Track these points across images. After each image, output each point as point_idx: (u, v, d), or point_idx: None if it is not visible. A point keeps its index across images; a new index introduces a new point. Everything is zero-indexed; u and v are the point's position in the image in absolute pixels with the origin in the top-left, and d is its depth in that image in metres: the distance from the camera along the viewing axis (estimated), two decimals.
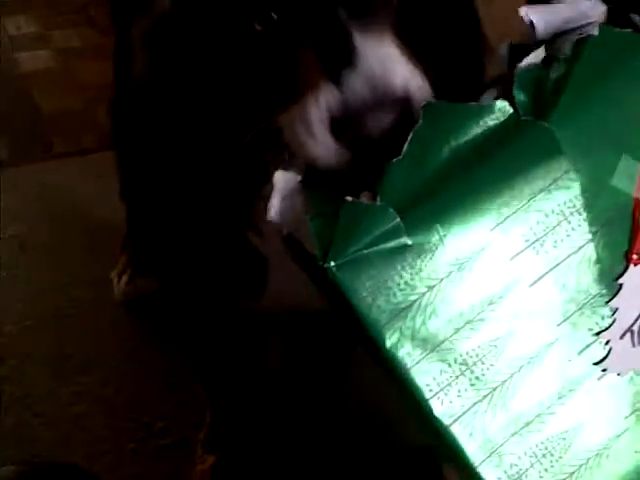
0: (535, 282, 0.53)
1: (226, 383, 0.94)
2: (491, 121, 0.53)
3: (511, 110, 0.53)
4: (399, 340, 0.50)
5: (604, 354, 0.54)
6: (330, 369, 1.02)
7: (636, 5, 0.59)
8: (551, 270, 0.53)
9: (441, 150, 0.52)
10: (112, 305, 1.27)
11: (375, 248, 0.50)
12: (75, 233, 1.40)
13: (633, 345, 0.55)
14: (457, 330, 0.51)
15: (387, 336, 0.50)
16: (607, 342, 0.54)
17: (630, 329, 0.55)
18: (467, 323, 0.52)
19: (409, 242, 0.50)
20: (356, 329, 0.54)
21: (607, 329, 0.54)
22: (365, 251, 0.50)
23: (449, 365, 0.52)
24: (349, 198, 0.50)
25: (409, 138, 0.51)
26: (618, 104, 0.55)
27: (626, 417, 0.55)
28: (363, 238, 0.50)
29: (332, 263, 0.49)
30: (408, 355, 0.51)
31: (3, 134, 1.61)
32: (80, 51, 1.68)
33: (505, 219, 0.52)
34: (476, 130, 0.53)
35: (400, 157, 0.51)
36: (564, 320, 0.53)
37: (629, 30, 0.56)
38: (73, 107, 1.63)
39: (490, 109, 0.53)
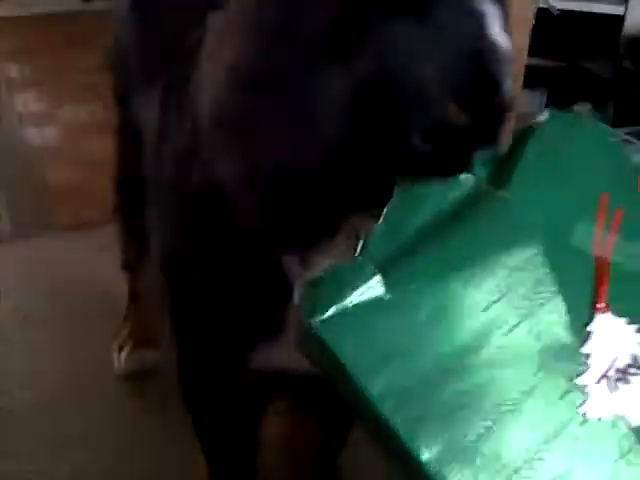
0: (510, 330, 0.55)
1: (225, 449, 0.93)
2: (457, 193, 0.58)
3: (474, 183, 0.58)
4: (384, 390, 0.52)
5: (583, 399, 0.55)
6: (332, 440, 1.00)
7: None
8: (525, 319, 0.54)
9: (416, 218, 0.57)
10: (112, 377, 1.27)
11: (357, 302, 0.53)
12: (75, 306, 1.41)
13: (610, 391, 0.55)
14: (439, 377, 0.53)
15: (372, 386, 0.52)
16: (584, 387, 0.54)
17: (605, 375, 0.55)
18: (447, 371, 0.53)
19: (388, 297, 0.54)
20: (342, 390, 0.56)
21: (582, 374, 0.55)
22: (348, 305, 0.53)
23: (431, 413, 0.53)
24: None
25: (385, 210, 0.56)
26: (571, 176, 0.60)
27: (615, 461, 0.55)
28: (346, 293, 0.53)
29: (317, 319, 0.52)
30: (393, 405, 0.52)
31: (8, 208, 1.65)
32: (87, 127, 1.72)
33: (475, 277, 0.55)
34: (445, 201, 0.58)
35: (380, 222, 0.56)
36: (540, 368, 0.54)
37: (572, 113, 0.63)
38: (75, 181, 1.67)
39: (457, 183, 0.58)
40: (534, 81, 2.02)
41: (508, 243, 0.57)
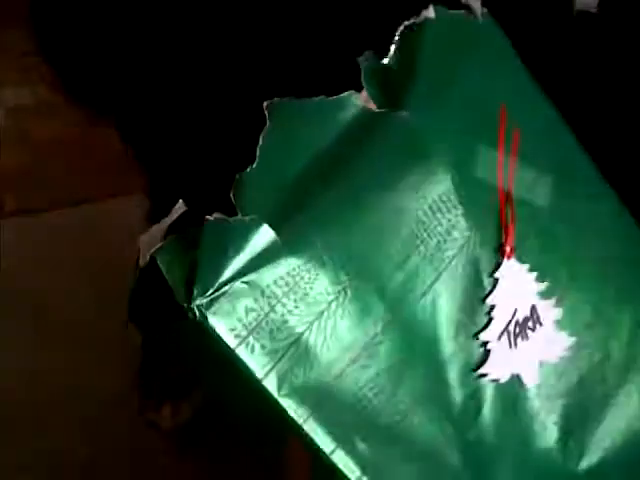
0: (425, 292, 0.47)
1: None
2: (345, 116, 0.47)
3: (362, 103, 0.48)
4: (288, 388, 0.43)
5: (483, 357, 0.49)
6: None
7: None
8: (440, 276, 0.48)
9: (299, 153, 0.46)
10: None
11: (250, 276, 0.41)
12: None
13: (510, 347, 0.50)
14: (353, 361, 0.45)
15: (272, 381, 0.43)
16: (486, 344, 0.49)
17: (507, 329, 0.50)
18: (363, 350, 0.45)
19: (289, 263, 0.42)
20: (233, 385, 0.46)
21: (485, 329, 0.49)
22: (238, 281, 0.41)
23: (346, 402, 0.45)
24: (210, 217, 0.41)
25: (260, 142, 0.44)
26: (470, 88, 0.51)
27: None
28: (233, 263, 0.41)
29: (199, 301, 0.40)
30: (297, 407, 0.43)
31: None
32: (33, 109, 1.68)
33: (384, 223, 0.46)
34: (332, 127, 0.47)
35: (254, 165, 0.43)
36: (457, 331, 0.48)
37: (462, 11, 0.52)
38: (24, 164, 1.62)
39: (341, 103, 0.47)
40: None
41: (418, 178, 0.47)
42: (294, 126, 0.46)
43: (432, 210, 0.48)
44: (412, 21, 0.51)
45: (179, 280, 0.40)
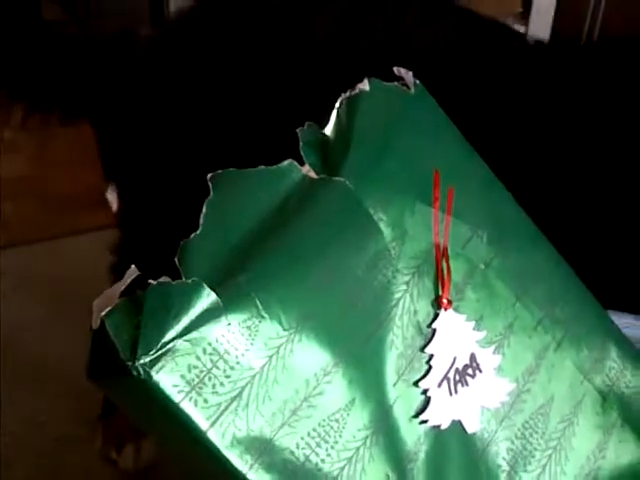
0: (366, 341, 0.50)
1: None
2: (286, 184, 0.51)
3: (302, 171, 0.52)
4: (231, 439, 0.45)
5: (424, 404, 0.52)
6: None
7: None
8: (379, 328, 0.51)
9: (241, 220, 0.49)
10: None
11: (193, 334, 0.44)
12: None
13: (450, 394, 0.52)
14: (294, 411, 0.47)
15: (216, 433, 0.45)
16: (426, 391, 0.52)
17: (446, 376, 0.52)
18: (304, 401, 0.47)
19: (229, 321, 0.45)
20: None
21: (424, 377, 0.52)
22: (181, 339, 0.43)
23: (292, 453, 0.47)
24: (152, 281, 0.44)
25: (203, 211, 0.47)
26: (404, 153, 0.55)
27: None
28: (176, 324, 0.43)
29: (142, 360, 0.42)
30: (241, 458, 0.45)
31: None
32: None
33: (323, 280, 0.49)
34: (273, 194, 0.50)
35: (198, 231, 0.47)
36: (399, 378, 0.51)
37: (395, 83, 0.57)
38: None
39: (281, 172, 0.51)
40: None
41: (356, 237, 0.51)
42: (236, 195, 0.49)
43: (369, 267, 0.51)
44: (348, 94, 0.55)
45: (125, 342, 0.43)
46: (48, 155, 1.57)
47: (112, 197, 0.93)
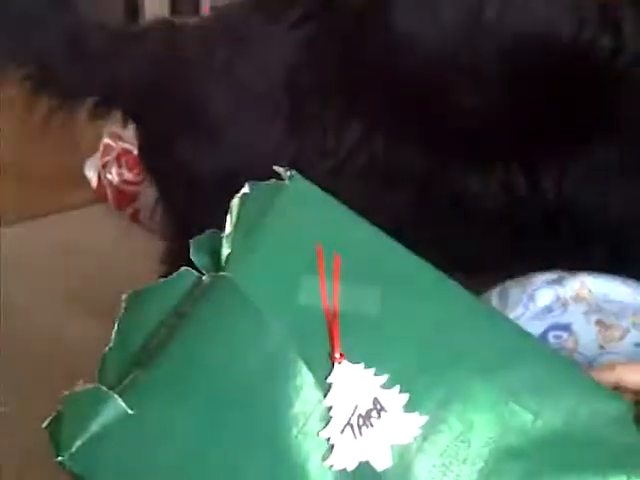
0: (265, 407, 0.59)
1: None
2: (181, 289, 0.61)
3: (195, 274, 0.62)
4: None
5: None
6: None
7: None
8: (277, 391, 0.59)
9: (144, 328, 0.60)
10: None
11: (102, 430, 0.55)
12: None
13: (355, 437, 0.58)
14: None
15: None
16: (329, 439, 0.58)
17: (349, 423, 0.59)
18: None
19: (137, 423, 0.56)
20: None
21: (325, 427, 0.59)
22: (94, 434, 0.55)
23: None
24: (67, 392, 0.56)
25: (115, 329, 0.59)
26: (285, 236, 0.65)
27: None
28: (88, 422, 0.55)
29: (65, 455, 0.55)
30: None
31: None
32: None
33: (217, 374, 0.59)
34: (170, 301, 0.61)
35: (110, 346, 0.59)
36: (299, 431, 0.58)
37: (271, 180, 0.66)
38: None
39: (177, 280, 0.62)
40: None
41: (248, 334, 0.60)
42: (140, 307, 0.61)
43: (269, 356, 0.59)
44: (236, 198, 0.65)
45: (57, 440, 0.56)
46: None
47: (90, 174, 1.00)
